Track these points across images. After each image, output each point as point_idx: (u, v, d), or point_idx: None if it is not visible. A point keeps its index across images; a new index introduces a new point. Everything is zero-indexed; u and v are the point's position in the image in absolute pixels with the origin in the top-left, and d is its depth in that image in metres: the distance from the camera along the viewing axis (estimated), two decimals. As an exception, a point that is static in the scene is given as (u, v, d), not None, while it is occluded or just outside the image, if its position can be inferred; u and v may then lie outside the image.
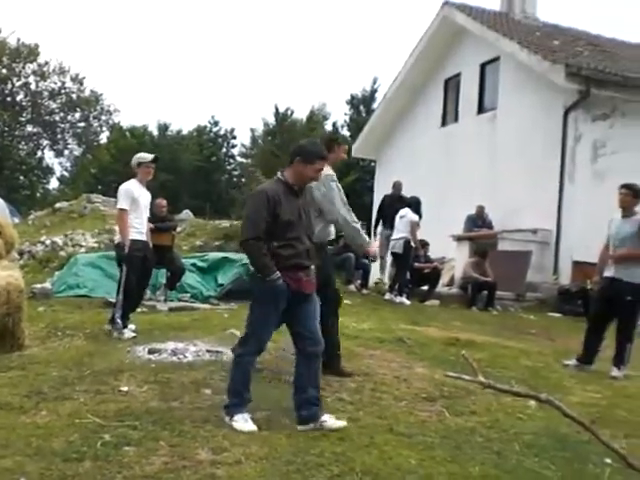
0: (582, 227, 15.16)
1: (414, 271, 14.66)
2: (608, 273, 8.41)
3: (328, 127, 45.20)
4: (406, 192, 15.96)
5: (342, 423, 5.31)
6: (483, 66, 19.70)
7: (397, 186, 16.32)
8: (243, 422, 5.17)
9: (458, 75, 20.76)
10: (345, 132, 43.02)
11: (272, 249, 5.20)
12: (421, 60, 21.49)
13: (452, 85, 21.18)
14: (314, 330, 5.42)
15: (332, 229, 7.11)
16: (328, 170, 6.88)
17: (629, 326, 8.37)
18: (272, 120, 47.20)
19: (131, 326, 8.78)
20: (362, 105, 43.96)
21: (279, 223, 5.22)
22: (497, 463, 4.87)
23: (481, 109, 19.71)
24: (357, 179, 37.24)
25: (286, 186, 5.36)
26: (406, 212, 13.89)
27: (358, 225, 7.10)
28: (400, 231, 13.87)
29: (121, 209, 8.63)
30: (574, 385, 7.61)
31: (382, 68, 73.87)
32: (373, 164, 25.98)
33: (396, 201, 15.52)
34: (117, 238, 8.93)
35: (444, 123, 21.29)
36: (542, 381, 7.66)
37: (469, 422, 5.83)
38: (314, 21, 77.14)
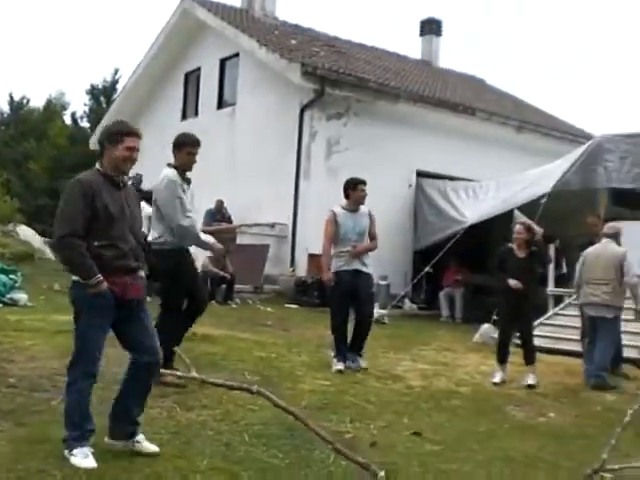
0: (317, 221, 15.65)
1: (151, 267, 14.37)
2: (350, 267, 8.40)
3: (67, 117, 43.37)
4: (148, 187, 15.63)
5: (155, 448, 4.73)
6: (223, 61, 19.83)
7: (136, 179, 15.93)
8: (82, 457, 4.44)
9: (198, 69, 20.73)
10: (85, 123, 41.51)
11: (92, 249, 4.49)
12: (162, 53, 21.25)
13: (192, 79, 21.13)
14: (147, 341, 4.74)
15: (192, 234, 6.84)
16: (170, 173, 6.71)
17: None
18: (6, 109, 44.52)
19: None
20: (102, 96, 42.58)
21: (100, 218, 4.52)
22: (226, 455, 4.86)
23: (221, 104, 19.82)
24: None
25: (105, 177, 4.63)
26: (143, 206, 13.59)
27: (196, 232, 6.82)
28: None
29: None
30: (305, 374, 7.82)
31: (124, 59, 72.07)
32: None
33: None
34: None
35: (184, 117, 21.18)
36: (275, 371, 7.80)
37: (200, 416, 5.78)
38: (50, 5, 73.74)
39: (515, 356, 8.87)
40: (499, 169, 17.03)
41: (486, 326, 11.88)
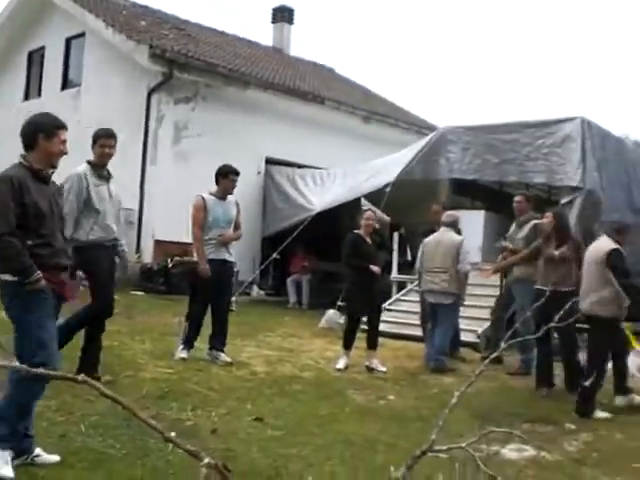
0: (164, 207, 15.46)
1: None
2: (218, 256, 8.22)
3: None
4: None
5: (56, 458, 4.45)
6: (68, 41, 19.08)
7: None
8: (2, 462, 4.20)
9: (42, 48, 19.89)
10: None
11: (27, 249, 4.28)
12: (4, 30, 20.24)
13: (36, 58, 20.24)
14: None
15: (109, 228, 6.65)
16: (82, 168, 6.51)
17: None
18: None
19: None
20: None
21: (30, 216, 4.32)
22: (61, 446, 4.74)
23: (65, 85, 19.10)
24: None
25: (32, 172, 4.42)
26: None
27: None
28: None
29: None
30: (148, 362, 7.70)
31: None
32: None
33: None
34: None
35: (27, 97, 20.29)
36: (116, 359, 7.64)
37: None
38: None
39: (358, 341, 9.02)
40: (347, 158, 17.30)
41: (331, 312, 12.06)
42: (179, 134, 16.32)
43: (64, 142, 4.56)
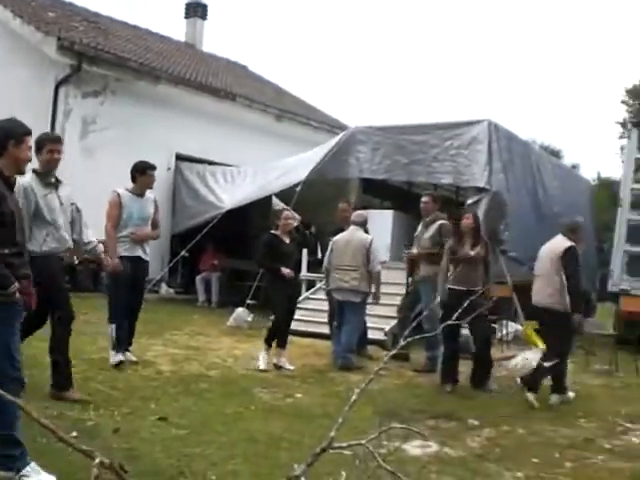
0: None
1: None
2: (132, 253, 8.03)
3: None
4: None
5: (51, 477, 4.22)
6: (-27, 31, 18.44)
7: None
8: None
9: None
10: None
11: (3, 258, 4.12)
12: None
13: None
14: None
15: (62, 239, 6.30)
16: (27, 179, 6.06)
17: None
18: None
19: None
20: None
21: (7, 224, 4.17)
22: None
23: (-32, 76, 18.45)
24: None
25: (3, 179, 4.28)
26: None
27: None
28: None
29: None
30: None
31: None
32: None
33: None
34: None
35: None
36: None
37: None
38: None
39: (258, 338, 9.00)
40: (259, 156, 17.25)
41: (240, 310, 12.01)
42: (87, 128, 15.97)
43: (30, 148, 4.57)
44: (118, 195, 8.06)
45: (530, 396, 7.53)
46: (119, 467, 2.61)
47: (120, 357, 7.79)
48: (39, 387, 6.28)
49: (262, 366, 8.42)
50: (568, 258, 7.69)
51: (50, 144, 6.30)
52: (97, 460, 2.48)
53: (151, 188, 8.33)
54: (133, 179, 8.20)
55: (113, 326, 7.82)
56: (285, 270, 8.68)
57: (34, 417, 2.68)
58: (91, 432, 5.16)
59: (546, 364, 7.61)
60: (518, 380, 7.83)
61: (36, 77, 16.12)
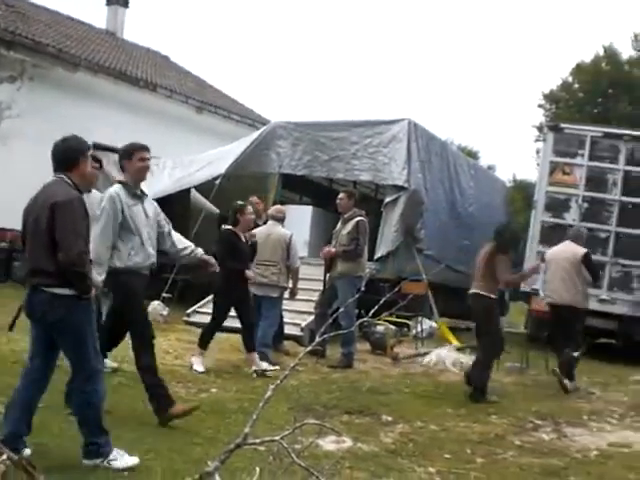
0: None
1: None
2: None
3: None
4: None
5: (134, 459, 4.62)
6: None
7: None
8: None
9: None
10: None
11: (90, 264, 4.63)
12: None
13: None
14: None
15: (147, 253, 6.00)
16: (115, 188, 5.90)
17: None
18: None
19: None
20: None
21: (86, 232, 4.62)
22: None
23: None
24: None
25: (78, 190, 4.64)
26: None
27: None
28: None
29: None
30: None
31: None
32: None
33: None
34: None
35: None
36: None
37: None
38: None
39: (182, 333, 8.92)
40: (180, 148, 17.05)
41: (156, 303, 11.85)
42: (1, 114, 15.55)
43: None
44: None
45: (569, 384, 8.67)
46: (27, 463, 2.55)
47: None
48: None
49: (200, 369, 8.17)
50: (589, 261, 9.23)
51: (141, 152, 6.08)
52: (3, 457, 2.42)
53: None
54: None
55: None
56: (249, 273, 8.54)
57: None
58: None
59: (575, 354, 8.81)
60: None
61: (-52, 60, 15.64)
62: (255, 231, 9.45)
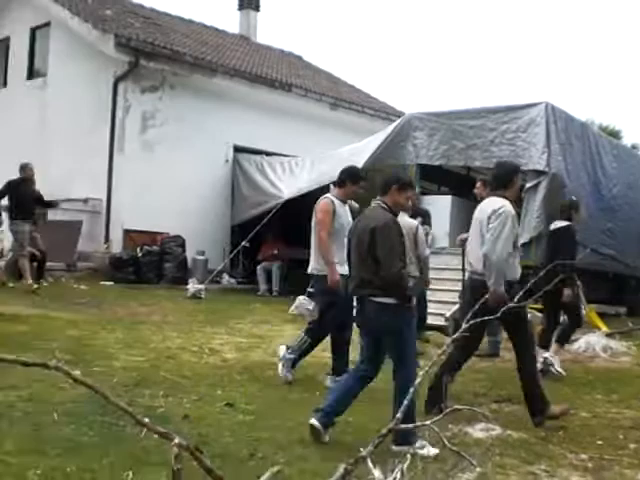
0: (132, 196, 15.47)
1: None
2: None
3: None
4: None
5: (435, 450, 4.91)
6: (34, 31, 18.94)
7: None
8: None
9: (7, 39, 19.68)
10: None
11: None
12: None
13: (1, 48, 20.01)
14: None
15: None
16: None
17: None
18: None
19: None
20: None
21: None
22: (34, 435, 4.77)
23: (31, 75, 18.95)
24: None
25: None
26: None
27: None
28: None
29: None
30: (118, 351, 7.73)
31: None
32: None
33: None
34: None
35: (-8, 87, 20.10)
36: (87, 349, 7.65)
37: (8, 397, 5.60)
38: None
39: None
40: (315, 145, 17.36)
41: (301, 298, 12.07)
42: (146, 123, 16.27)
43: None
44: (332, 202, 7.25)
45: None
46: (194, 448, 2.73)
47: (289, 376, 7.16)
48: (109, 376, 6.49)
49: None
50: None
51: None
52: (176, 441, 2.60)
53: (352, 198, 7.65)
54: (342, 185, 7.39)
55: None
56: None
57: (112, 401, 2.81)
58: (162, 418, 5.30)
59: None
60: None
61: (95, 74, 16.52)
62: None
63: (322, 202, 7.29)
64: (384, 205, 5.33)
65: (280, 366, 7.14)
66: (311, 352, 7.44)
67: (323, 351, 8.70)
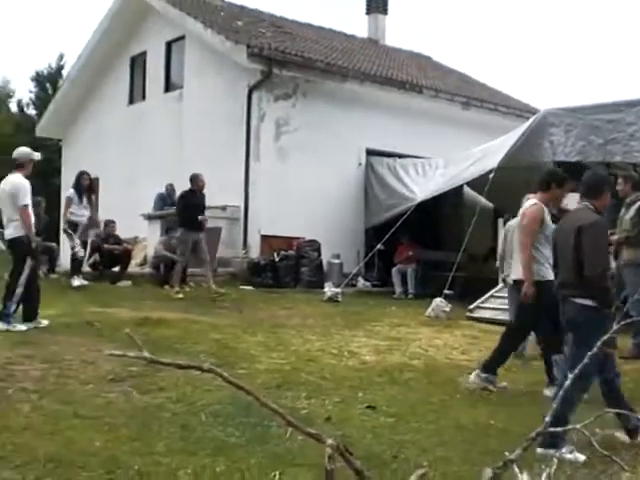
0: (268, 203, 15.81)
1: (104, 252, 14.52)
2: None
3: (13, 105, 42.51)
4: (95, 172, 15.55)
5: (583, 457, 4.87)
6: (169, 44, 19.64)
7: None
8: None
9: (144, 53, 20.50)
10: (31, 111, 40.77)
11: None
12: (106, 37, 20.89)
13: (139, 63, 20.86)
14: None
15: None
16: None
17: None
18: (-50, 99, 43.46)
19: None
20: (48, 82, 41.83)
21: None
22: (183, 435, 4.97)
23: (168, 87, 19.66)
24: (45, 160, 35.48)
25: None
26: None
27: None
28: None
29: (26, 205, 8.77)
30: (261, 354, 7.90)
31: (68, 43, 70.64)
32: (61, 143, 24.91)
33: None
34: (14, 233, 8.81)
35: (131, 101, 20.96)
36: (230, 352, 7.87)
37: (157, 399, 5.84)
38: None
39: (465, 329, 8.99)
40: (447, 145, 17.20)
41: (438, 300, 12.04)
42: (280, 130, 16.56)
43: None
44: (543, 209, 7.02)
45: None
46: (344, 449, 2.79)
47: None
48: (252, 378, 6.67)
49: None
50: None
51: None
52: (329, 442, 2.67)
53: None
54: (545, 188, 7.16)
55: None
56: None
57: (262, 401, 2.90)
58: (304, 420, 5.40)
59: None
60: None
61: (230, 84, 16.96)
62: (511, 222, 9.23)
63: (533, 208, 7.01)
64: (590, 206, 5.39)
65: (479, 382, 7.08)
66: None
67: (462, 354, 8.68)
